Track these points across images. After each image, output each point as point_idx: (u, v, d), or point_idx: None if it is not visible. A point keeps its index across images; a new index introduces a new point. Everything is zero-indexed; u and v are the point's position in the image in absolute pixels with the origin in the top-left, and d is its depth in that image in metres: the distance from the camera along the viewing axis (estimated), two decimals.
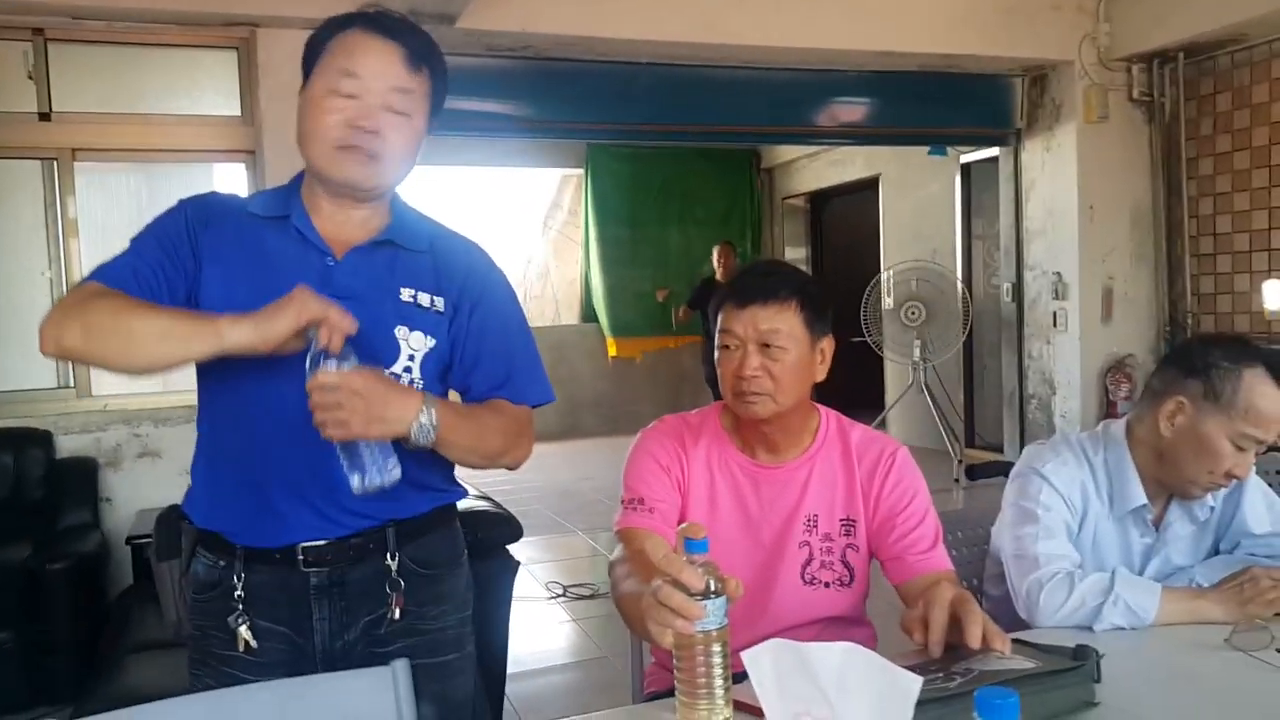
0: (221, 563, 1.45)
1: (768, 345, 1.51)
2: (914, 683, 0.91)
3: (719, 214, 9.41)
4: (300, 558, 1.42)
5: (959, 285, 6.45)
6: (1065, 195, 5.51)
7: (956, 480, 6.04)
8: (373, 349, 1.35)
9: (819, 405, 1.69)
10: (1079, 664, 1.20)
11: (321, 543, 1.42)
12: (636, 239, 9.15)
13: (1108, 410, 5.37)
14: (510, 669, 3.48)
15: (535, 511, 6.04)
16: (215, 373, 1.40)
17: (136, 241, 1.39)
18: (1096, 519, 1.70)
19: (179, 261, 1.38)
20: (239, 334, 1.24)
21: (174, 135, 4.25)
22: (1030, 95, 5.70)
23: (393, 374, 1.38)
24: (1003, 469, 2.04)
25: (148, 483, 4.06)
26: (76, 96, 4.12)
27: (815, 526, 1.62)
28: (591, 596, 4.23)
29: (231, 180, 4.37)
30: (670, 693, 1.57)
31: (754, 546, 1.62)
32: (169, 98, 4.27)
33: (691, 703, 1.12)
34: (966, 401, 7.04)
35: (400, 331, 1.40)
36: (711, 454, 1.64)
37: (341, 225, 1.44)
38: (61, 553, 3.48)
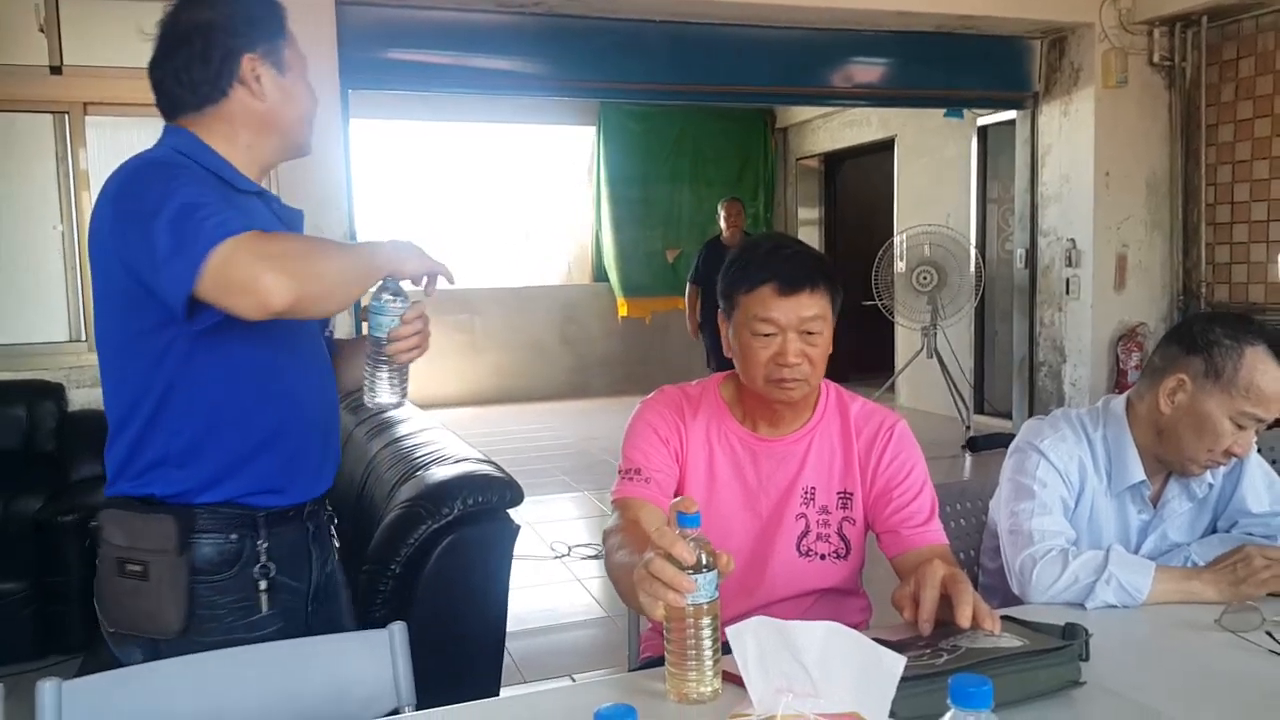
0: (234, 536, 1.47)
1: (808, 332, 1.51)
2: (897, 662, 0.92)
3: (732, 174, 9.34)
4: (307, 511, 1.55)
5: (972, 250, 6.41)
6: (1081, 161, 5.44)
7: (964, 446, 6.05)
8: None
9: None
10: (1067, 644, 1.21)
11: (319, 495, 1.59)
12: (648, 198, 9.10)
13: (1118, 379, 5.35)
14: (513, 627, 3.52)
15: (542, 470, 6.09)
16: (238, 338, 1.39)
17: (205, 200, 1.29)
18: (1094, 495, 1.70)
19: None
20: (383, 271, 1.37)
21: None
22: (1049, 58, 5.61)
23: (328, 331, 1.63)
24: (1005, 440, 2.04)
25: None
26: (87, 50, 4.11)
27: (813, 499, 1.62)
28: (596, 556, 4.28)
29: None
30: (663, 658, 1.61)
31: (751, 518, 1.63)
32: None
33: (681, 673, 1.14)
34: (977, 368, 7.02)
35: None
36: (711, 426, 1.64)
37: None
38: (73, 505, 3.53)
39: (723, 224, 6.43)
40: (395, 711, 1.43)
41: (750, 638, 0.97)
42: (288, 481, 1.50)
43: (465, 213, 9.67)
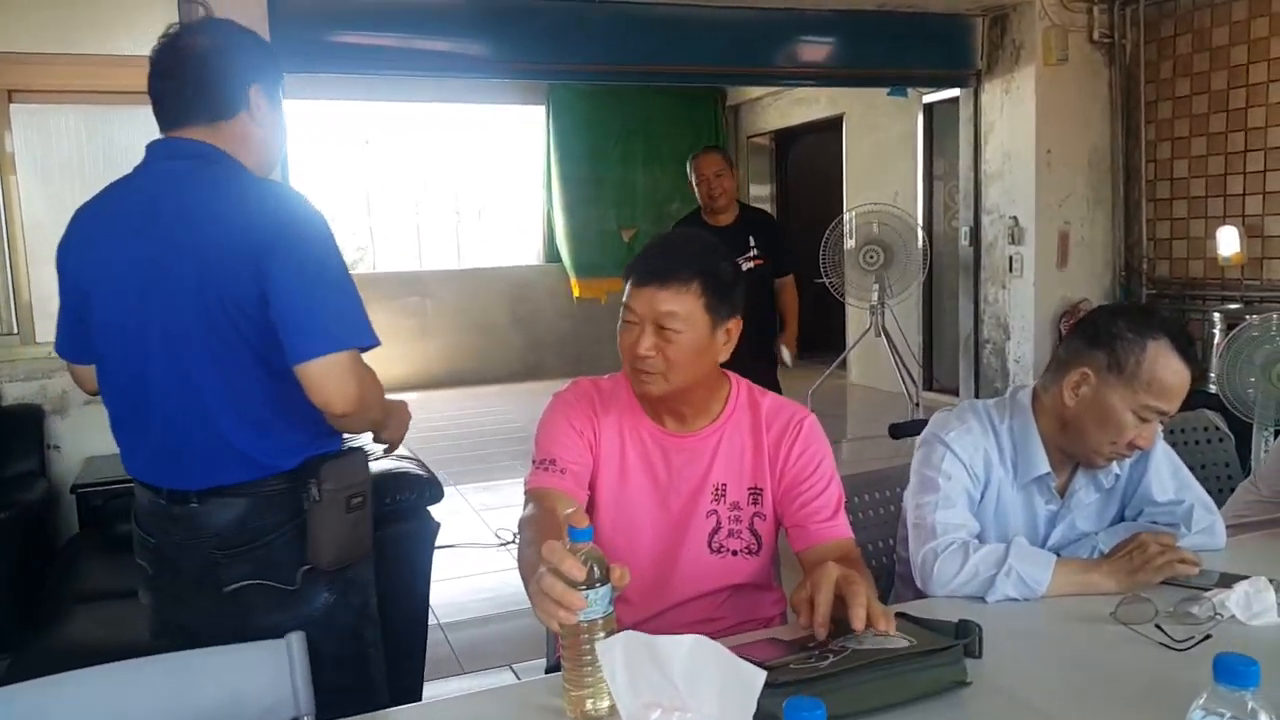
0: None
1: (663, 327, 1.50)
2: (757, 676, 0.92)
3: (683, 152, 9.18)
4: None
5: (919, 230, 6.44)
6: (1023, 139, 5.47)
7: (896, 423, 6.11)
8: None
9: (730, 374, 1.68)
10: (953, 644, 1.22)
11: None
12: (600, 178, 9.02)
13: None
14: (455, 616, 3.55)
15: (491, 455, 6.06)
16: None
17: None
18: (1000, 486, 1.71)
19: None
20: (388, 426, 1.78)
21: (113, 76, 4.10)
22: (990, 36, 5.62)
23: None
24: (922, 428, 2.05)
25: (95, 429, 4.02)
26: (11, 36, 3.98)
27: (723, 496, 1.63)
28: None
29: None
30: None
31: (662, 515, 1.63)
32: (107, 37, 4.14)
33: (578, 691, 1.14)
34: (925, 345, 7.07)
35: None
36: (623, 421, 1.64)
37: None
38: (5, 501, 3.46)
39: (699, 192, 4.18)
40: None
41: (619, 652, 0.97)
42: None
43: (414, 194, 9.56)
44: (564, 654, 1.14)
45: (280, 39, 4.25)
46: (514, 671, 3.10)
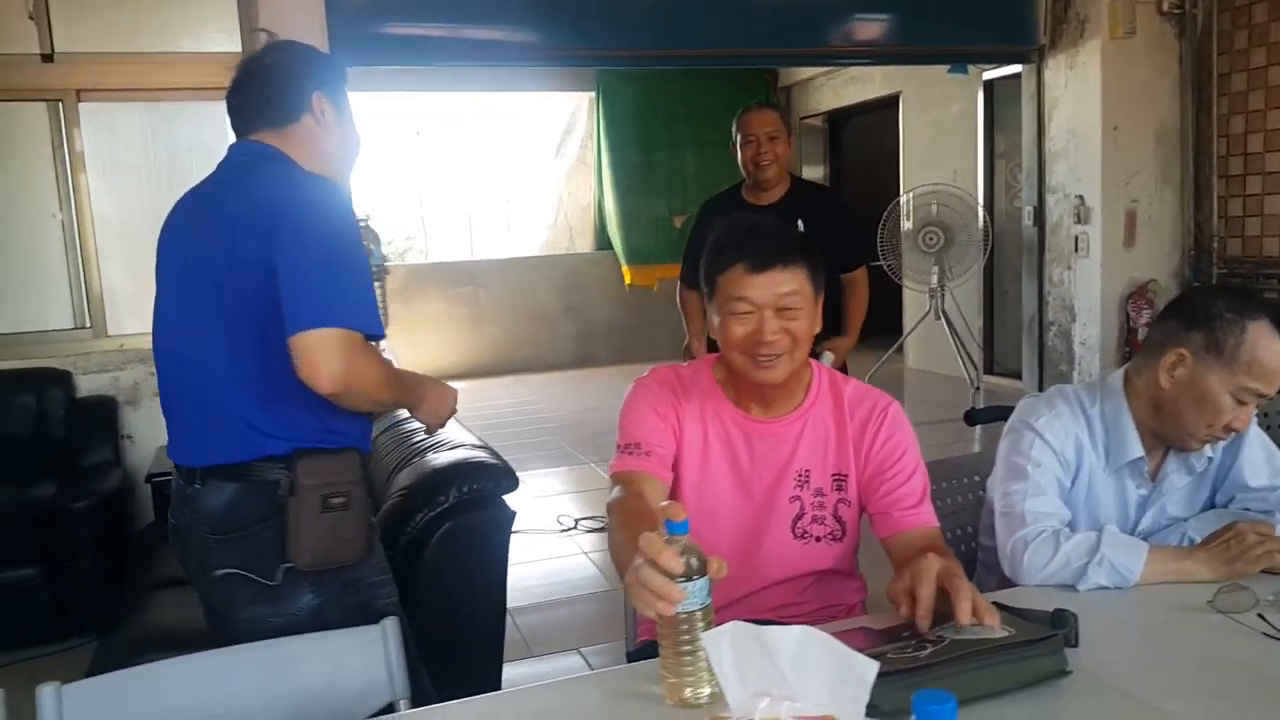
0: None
1: (785, 308, 1.50)
2: (870, 667, 0.91)
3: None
4: None
5: (979, 210, 6.33)
6: (1088, 115, 5.34)
7: (973, 408, 6.02)
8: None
9: (811, 360, 1.67)
10: (1052, 633, 1.20)
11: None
12: (650, 163, 8.98)
13: (1128, 338, 5.29)
14: (520, 601, 3.58)
15: (547, 443, 6.10)
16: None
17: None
18: (1091, 472, 1.68)
19: None
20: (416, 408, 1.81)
21: (176, 73, 4.20)
22: (1054, 10, 5.48)
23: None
24: (1002, 414, 2.00)
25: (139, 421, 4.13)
26: (78, 37, 4.07)
27: (807, 482, 1.62)
28: (601, 529, 4.29)
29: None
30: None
31: (745, 501, 1.63)
32: (169, 36, 4.22)
33: (676, 679, 1.14)
34: (986, 328, 6.95)
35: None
36: (705, 407, 1.64)
37: None
38: (84, 491, 3.56)
39: (743, 157, 3.30)
40: (390, 707, 1.44)
41: (726, 642, 0.97)
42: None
43: (465, 184, 9.62)
44: (662, 643, 1.14)
45: (337, 33, 4.30)
46: (582, 655, 3.12)
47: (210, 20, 4.27)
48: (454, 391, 1.81)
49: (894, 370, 7.18)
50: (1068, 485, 1.66)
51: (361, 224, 1.87)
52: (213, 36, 4.25)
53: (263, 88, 1.70)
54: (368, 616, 1.60)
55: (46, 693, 1.29)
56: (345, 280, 1.53)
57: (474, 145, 9.58)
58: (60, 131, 4.17)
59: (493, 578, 2.23)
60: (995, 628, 1.20)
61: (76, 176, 4.19)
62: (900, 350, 7.32)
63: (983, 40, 5.64)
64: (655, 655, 1.33)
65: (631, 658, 1.77)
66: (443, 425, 1.82)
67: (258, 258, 1.54)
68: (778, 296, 1.49)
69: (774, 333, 1.50)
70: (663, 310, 9.14)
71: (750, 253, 1.51)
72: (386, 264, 4.70)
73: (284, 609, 1.62)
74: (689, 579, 1.09)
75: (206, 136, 5.78)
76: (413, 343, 7.88)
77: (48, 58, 4.01)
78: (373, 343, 1.59)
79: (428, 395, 1.75)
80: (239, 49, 4.21)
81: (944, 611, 1.24)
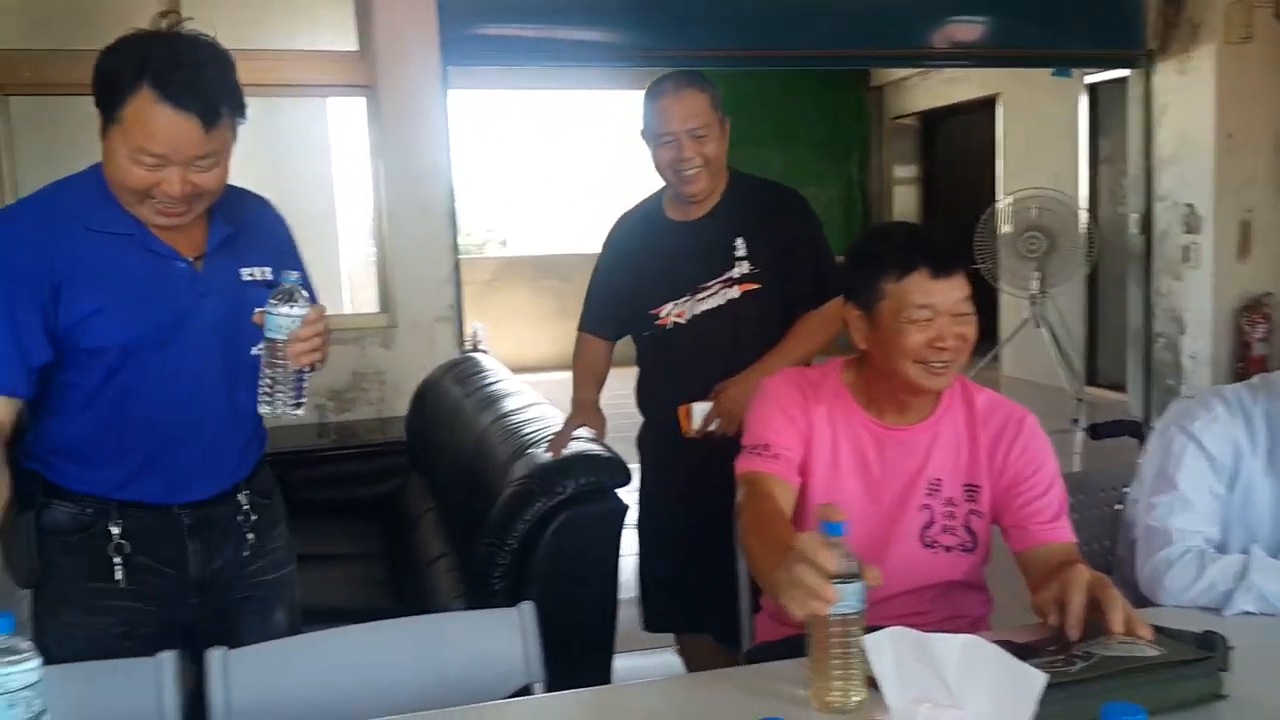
0: (90, 510, 1.56)
1: (961, 313, 1.52)
2: (1037, 679, 0.93)
3: (822, 134, 9.08)
4: (177, 510, 1.61)
5: (1083, 215, 6.17)
6: (1201, 122, 5.18)
7: (1075, 421, 5.87)
8: (244, 333, 1.51)
9: None
10: (1208, 655, 1.18)
11: (201, 499, 1.62)
12: (735, 162, 8.91)
13: (1242, 353, 5.12)
14: (623, 594, 3.59)
15: (635, 435, 6.10)
16: (116, 357, 1.50)
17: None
18: (1250, 476, 1.60)
19: (39, 305, 1.45)
20: None
21: (293, 70, 4.35)
22: (1165, 13, 5.33)
23: (258, 351, 1.52)
24: (1130, 428, 1.95)
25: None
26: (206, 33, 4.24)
27: (938, 491, 1.62)
28: None
29: (350, 114, 4.50)
30: (779, 646, 1.63)
31: (872, 507, 1.63)
32: (290, 34, 4.38)
33: (824, 683, 1.15)
34: (1088, 337, 6.78)
35: (257, 316, 1.48)
36: (835, 412, 1.64)
37: (177, 236, 1.54)
38: None
39: (659, 160, 2.32)
40: (526, 688, 1.49)
41: (888, 647, 0.99)
42: (155, 489, 1.58)
43: (553, 178, 9.73)
44: (811, 645, 1.16)
45: (446, 33, 4.40)
46: (678, 652, 3.14)
47: (326, 19, 4.42)
48: None
49: (989, 378, 7.03)
50: (1221, 493, 1.59)
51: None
52: (328, 35, 4.40)
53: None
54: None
55: (215, 657, 1.38)
56: None
57: (563, 141, 9.69)
58: None
59: (605, 569, 2.27)
60: (1145, 645, 1.19)
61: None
62: (996, 358, 7.18)
63: (1087, 43, 5.52)
64: (772, 658, 1.36)
65: (750, 658, 1.79)
66: None
67: None
68: (956, 302, 1.52)
69: (953, 339, 1.51)
70: None
71: (930, 258, 1.51)
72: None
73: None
74: (845, 582, 1.11)
75: (313, 130, 5.98)
76: (499, 335, 8.00)
77: None
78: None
79: None
80: (356, 47, 4.36)
81: (1091, 621, 1.23)
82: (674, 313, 2.28)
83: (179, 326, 1.54)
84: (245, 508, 1.68)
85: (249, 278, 1.60)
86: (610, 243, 2.51)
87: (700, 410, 2.19)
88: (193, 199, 1.47)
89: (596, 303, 2.52)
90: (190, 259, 1.55)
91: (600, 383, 2.49)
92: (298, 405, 1.47)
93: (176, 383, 1.55)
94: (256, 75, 4.31)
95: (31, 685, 1.04)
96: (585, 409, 2.43)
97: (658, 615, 2.52)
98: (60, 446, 1.56)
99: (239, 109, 1.50)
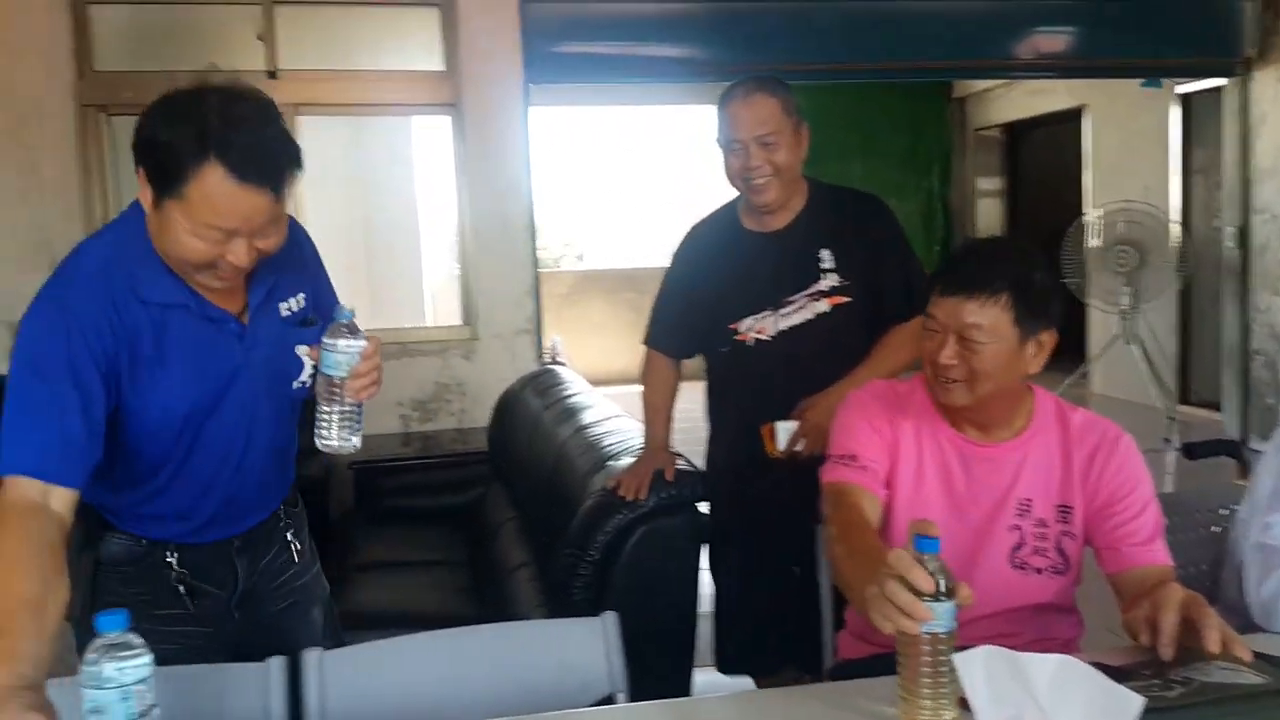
0: (144, 542, 1.56)
1: (966, 337, 1.49)
2: (1133, 701, 0.91)
3: (904, 146, 8.98)
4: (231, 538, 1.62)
5: (1175, 229, 5.98)
6: None
7: (1167, 440, 5.68)
8: (287, 371, 1.53)
9: (1034, 386, 1.65)
10: None
11: (251, 527, 1.65)
12: (816, 175, 8.85)
13: None
14: (702, 608, 3.58)
15: None
16: (176, 428, 1.47)
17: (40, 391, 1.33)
18: None
19: (103, 390, 1.37)
20: None
21: (383, 90, 4.49)
22: (1263, 20, 5.16)
23: (301, 382, 1.55)
24: (1227, 448, 1.88)
25: (366, 412, 4.36)
26: (299, 56, 4.40)
27: (1029, 511, 1.59)
28: None
29: (433, 131, 4.62)
30: (862, 664, 1.62)
31: (957, 525, 1.60)
32: (378, 54, 4.51)
33: (914, 700, 1.14)
34: (1181, 354, 6.56)
35: (300, 349, 1.51)
36: (921, 425, 1.63)
37: (224, 294, 1.48)
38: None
39: (730, 168, 2.22)
40: (609, 698, 1.50)
41: (980, 666, 0.98)
42: (205, 534, 1.59)
43: (629, 193, 9.80)
44: (902, 664, 1.15)
45: (529, 51, 4.49)
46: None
47: (415, 39, 4.55)
48: None
49: (1077, 396, 6.85)
50: None
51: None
52: (417, 55, 4.52)
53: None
54: None
55: (311, 658, 1.43)
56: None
57: (639, 155, 9.76)
58: None
59: (685, 582, 2.28)
60: (1246, 672, 1.16)
61: (299, 191, 4.52)
62: (1085, 376, 6.99)
63: (1181, 52, 5.37)
64: (854, 677, 1.35)
65: (832, 676, 1.78)
66: None
67: None
68: (961, 325, 1.49)
69: (949, 357, 1.50)
70: None
71: (946, 274, 1.54)
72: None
73: None
74: (937, 599, 1.09)
75: (400, 147, 6.13)
76: (576, 348, 8.08)
77: (272, 74, 4.35)
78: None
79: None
80: (442, 67, 4.47)
81: (1186, 646, 1.20)
82: (754, 328, 2.17)
83: (233, 383, 1.50)
84: (283, 521, 1.71)
85: (287, 313, 1.56)
86: (681, 255, 2.37)
87: (785, 429, 2.09)
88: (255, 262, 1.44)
89: (665, 318, 2.40)
90: (237, 314, 1.51)
91: (670, 413, 2.39)
92: (355, 437, 1.45)
93: (231, 438, 1.53)
94: (347, 95, 4.52)
95: (143, 680, 1.09)
96: (657, 451, 2.35)
97: (734, 659, 2.39)
98: (118, 509, 1.55)
99: (300, 164, 1.42)
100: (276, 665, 1.39)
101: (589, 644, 1.52)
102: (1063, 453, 1.59)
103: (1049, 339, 1.53)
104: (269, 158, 1.34)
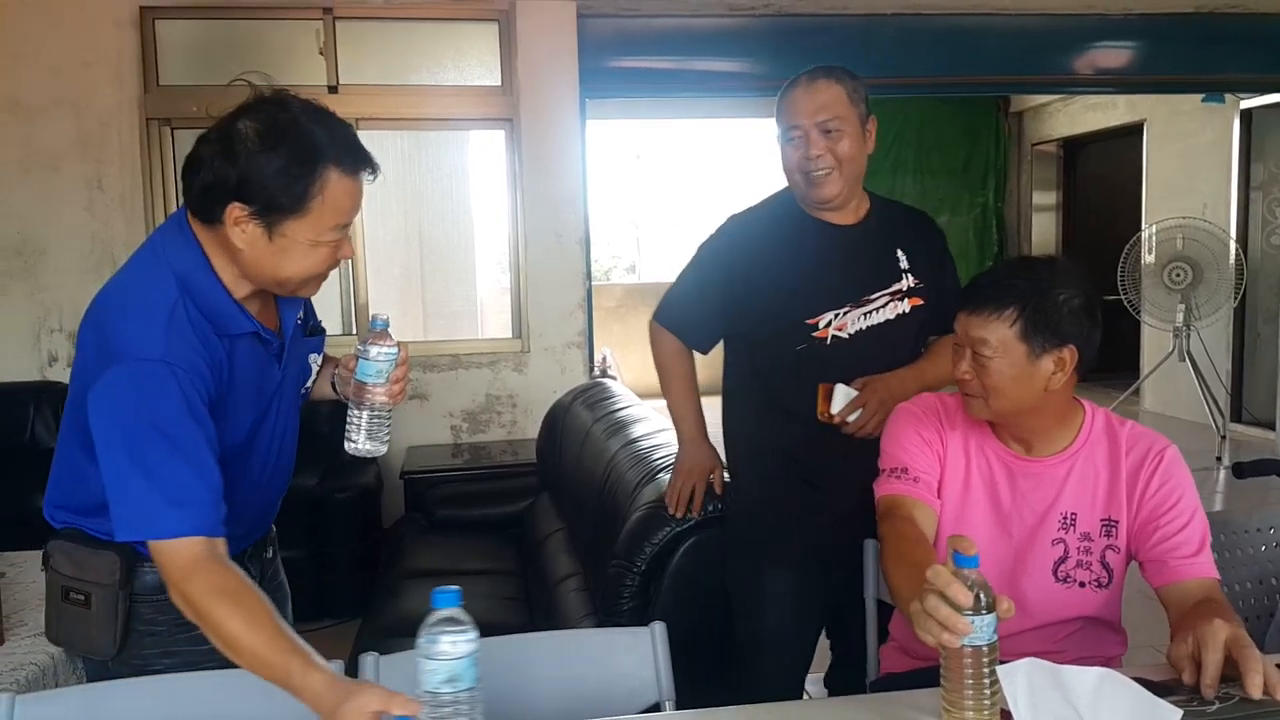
0: None
1: (976, 352, 1.55)
2: (1173, 715, 0.93)
3: (959, 161, 8.91)
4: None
5: (1232, 245, 5.89)
6: None
7: (1218, 459, 5.58)
8: (301, 380, 1.61)
9: (1085, 402, 1.66)
10: None
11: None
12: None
13: None
14: None
15: None
16: (232, 453, 1.47)
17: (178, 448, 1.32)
18: None
19: (213, 429, 1.39)
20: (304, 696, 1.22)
21: (441, 104, 4.59)
22: None
23: (306, 389, 1.65)
24: (1277, 468, 1.86)
25: (417, 422, 4.49)
26: (359, 70, 4.52)
27: (1073, 525, 1.60)
28: None
29: (490, 146, 4.72)
30: (905, 678, 1.64)
31: (1003, 539, 1.62)
32: (437, 69, 4.61)
33: (957, 712, 1.16)
34: (1235, 372, 6.45)
35: (311, 357, 1.61)
36: (969, 439, 1.65)
37: (265, 308, 1.53)
38: (345, 484, 3.91)
39: (788, 159, 2.05)
40: (656, 706, 1.53)
41: (1022, 678, 1.00)
42: (232, 545, 1.56)
43: (679, 207, 9.83)
44: (945, 675, 1.17)
45: (585, 66, 4.56)
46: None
47: (472, 54, 4.64)
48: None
49: (1129, 412, 6.74)
50: None
51: None
52: (474, 70, 4.62)
53: (192, 171, 1.39)
54: None
55: (369, 661, 1.48)
56: (135, 483, 1.31)
57: (690, 170, 9.80)
58: None
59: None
60: None
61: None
62: (1137, 392, 6.89)
63: (1242, 67, 5.28)
64: (896, 689, 1.37)
65: (874, 689, 1.79)
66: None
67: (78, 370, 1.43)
68: (970, 339, 1.55)
69: (963, 371, 1.57)
70: None
71: (967, 289, 1.60)
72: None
73: None
74: (977, 614, 1.12)
75: (456, 161, 6.24)
76: (625, 360, 8.13)
77: (333, 89, 4.47)
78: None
79: (313, 695, 1.21)
80: (498, 82, 4.56)
81: (1229, 674, 1.21)
82: (835, 325, 1.95)
83: (275, 399, 1.54)
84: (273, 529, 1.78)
85: (299, 321, 1.59)
86: (725, 243, 2.12)
87: (844, 393, 1.90)
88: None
89: (700, 309, 2.12)
90: (276, 332, 1.54)
91: (699, 398, 2.21)
92: (382, 443, 1.47)
93: (268, 451, 1.56)
94: (407, 109, 4.63)
95: (471, 655, 1.11)
96: (698, 448, 2.20)
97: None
98: None
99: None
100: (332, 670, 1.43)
101: (637, 653, 1.56)
102: (1110, 466, 1.60)
103: (1069, 355, 1.53)
104: (358, 144, 1.41)
